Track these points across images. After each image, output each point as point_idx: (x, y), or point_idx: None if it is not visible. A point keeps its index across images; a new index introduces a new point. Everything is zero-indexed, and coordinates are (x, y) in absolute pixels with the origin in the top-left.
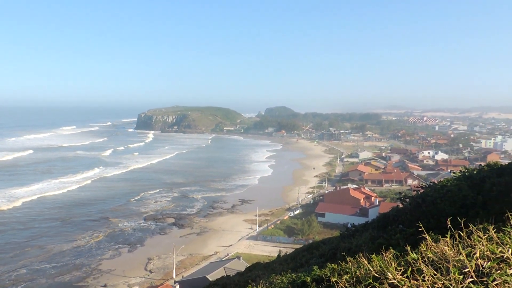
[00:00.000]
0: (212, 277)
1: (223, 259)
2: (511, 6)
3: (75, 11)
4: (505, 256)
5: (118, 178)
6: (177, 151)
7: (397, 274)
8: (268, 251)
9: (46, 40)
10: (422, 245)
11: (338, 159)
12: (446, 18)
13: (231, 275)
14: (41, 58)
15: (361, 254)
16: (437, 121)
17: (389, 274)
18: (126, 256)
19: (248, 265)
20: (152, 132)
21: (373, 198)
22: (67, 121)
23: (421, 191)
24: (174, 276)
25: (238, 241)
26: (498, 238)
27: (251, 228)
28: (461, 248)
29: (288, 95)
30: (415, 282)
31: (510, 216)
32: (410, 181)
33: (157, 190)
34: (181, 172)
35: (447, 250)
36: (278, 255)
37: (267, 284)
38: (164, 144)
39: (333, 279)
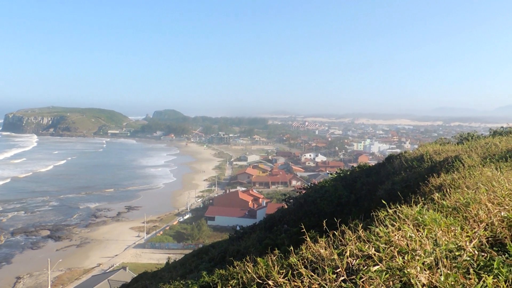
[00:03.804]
0: None
1: (107, 271)
2: (388, 16)
3: None
4: (370, 253)
5: None
6: (69, 157)
7: (280, 277)
8: (157, 258)
9: None
10: (302, 246)
11: (227, 163)
12: (325, 28)
13: None
14: None
15: (248, 257)
16: (317, 125)
17: (271, 280)
18: None
19: (135, 275)
20: (35, 136)
21: (260, 199)
22: None
23: (303, 192)
24: None
25: (124, 250)
26: (365, 236)
27: (138, 236)
28: (333, 249)
29: (177, 98)
30: (295, 284)
31: (375, 215)
32: (294, 182)
33: (36, 200)
34: (67, 180)
35: (323, 251)
36: (167, 263)
37: None
38: (52, 149)
39: (219, 287)
